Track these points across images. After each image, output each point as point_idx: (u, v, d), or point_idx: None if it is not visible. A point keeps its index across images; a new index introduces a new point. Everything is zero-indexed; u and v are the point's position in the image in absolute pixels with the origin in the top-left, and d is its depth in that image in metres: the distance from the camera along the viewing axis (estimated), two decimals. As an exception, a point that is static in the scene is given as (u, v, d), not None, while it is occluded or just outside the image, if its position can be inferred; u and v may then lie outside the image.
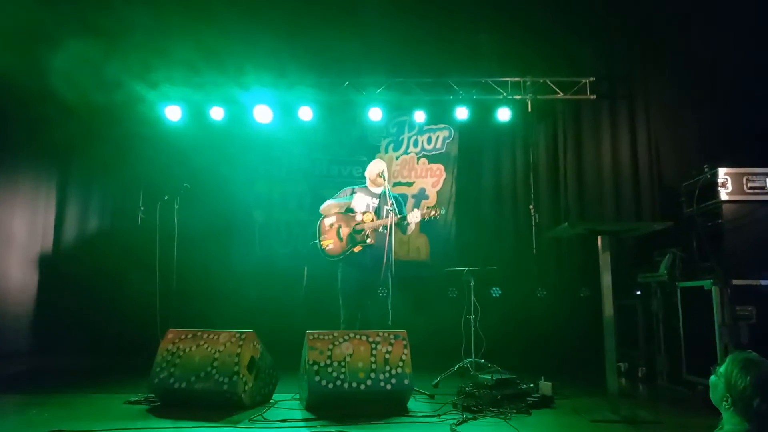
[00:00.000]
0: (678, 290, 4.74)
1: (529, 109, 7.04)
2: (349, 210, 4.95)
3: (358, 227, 4.85)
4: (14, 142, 6.23)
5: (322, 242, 4.92)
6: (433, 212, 4.73)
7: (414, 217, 4.72)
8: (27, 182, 6.58)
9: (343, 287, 4.89)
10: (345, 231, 4.89)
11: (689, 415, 3.85)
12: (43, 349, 6.49)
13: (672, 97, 6.58)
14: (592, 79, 6.93)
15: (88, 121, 6.70)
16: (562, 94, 7.00)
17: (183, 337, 4.05)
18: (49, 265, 6.83)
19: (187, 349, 3.96)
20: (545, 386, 4.07)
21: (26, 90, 5.88)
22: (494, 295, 6.68)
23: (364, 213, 4.85)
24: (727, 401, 1.87)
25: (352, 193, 5.00)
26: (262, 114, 7.01)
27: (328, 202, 5.04)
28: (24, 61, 5.46)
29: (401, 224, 4.82)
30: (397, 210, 4.79)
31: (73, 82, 5.78)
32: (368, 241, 4.76)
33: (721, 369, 1.92)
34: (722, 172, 4.54)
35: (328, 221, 4.98)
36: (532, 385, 4.15)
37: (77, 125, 6.66)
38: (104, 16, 5.57)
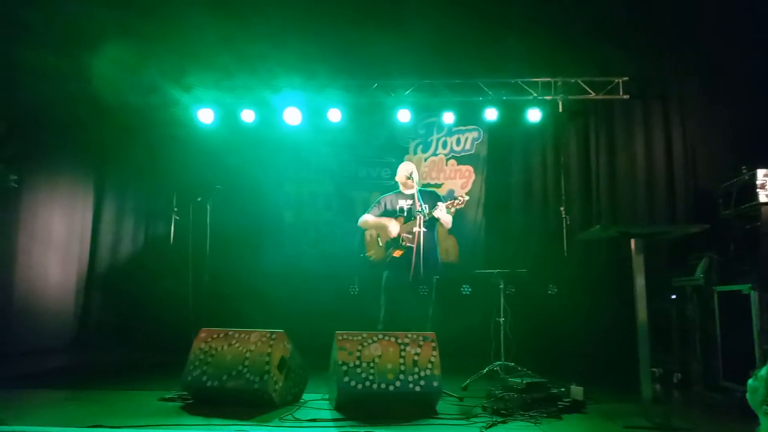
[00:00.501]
0: (715, 294, 4.63)
1: (560, 110, 6.95)
2: (387, 214, 5.18)
3: (395, 231, 5.05)
4: (54, 144, 6.42)
5: (367, 253, 5.26)
6: (457, 202, 4.82)
7: (439, 212, 4.80)
8: (65, 183, 6.78)
9: (386, 288, 5.08)
10: (383, 238, 5.15)
11: (725, 423, 3.76)
12: (81, 346, 6.67)
13: (707, 97, 6.43)
14: (625, 78, 6.81)
15: (124, 124, 6.90)
16: (593, 94, 6.90)
17: (215, 336, 4.12)
18: (87, 264, 7.02)
19: (219, 348, 4.03)
20: (577, 391, 4.02)
21: (64, 93, 6.07)
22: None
23: (397, 218, 5.10)
24: (767, 405, 1.82)
25: (383, 200, 5.29)
26: (292, 116, 7.09)
27: (365, 216, 5.35)
28: (63, 64, 5.63)
29: (433, 221, 4.90)
30: (430, 205, 4.88)
31: (110, 85, 5.95)
32: (404, 244, 4.90)
33: (762, 372, 1.87)
34: (761, 173, 4.42)
35: (368, 233, 5.28)
36: (563, 389, 4.10)
37: (113, 128, 6.86)
38: (140, 21, 5.71)
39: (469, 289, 6.86)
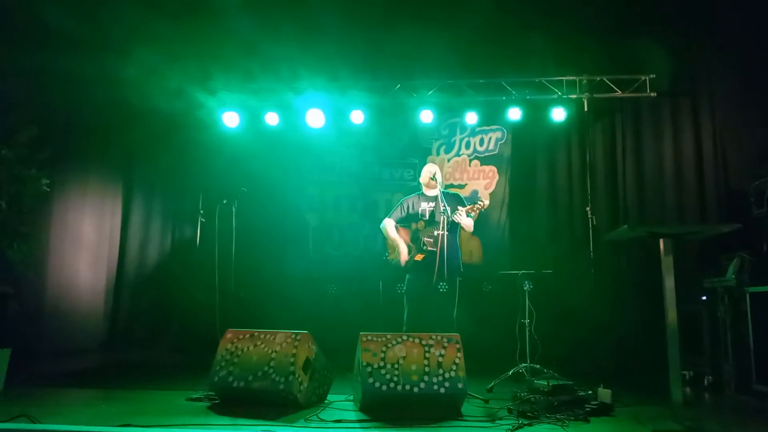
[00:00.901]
0: (747, 296, 4.51)
1: (585, 109, 6.86)
2: (408, 219, 5.21)
3: (414, 236, 5.08)
4: (83, 148, 6.55)
5: (389, 256, 5.27)
6: (477, 206, 4.80)
7: (459, 217, 4.79)
8: (95, 186, 6.91)
9: (408, 292, 5.09)
10: (405, 241, 5.15)
11: (758, 427, 3.66)
12: (111, 346, 6.80)
13: (737, 94, 6.28)
14: (652, 75, 6.68)
15: (151, 128, 7.01)
16: (620, 92, 6.79)
17: (241, 336, 4.17)
18: (116, 266, 7.15)
19: (245, 349, 4.07)
20: (604, 393, 3.96)
21: (93, 97, 6.20)
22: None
23: (418, 222, 5.07)
24: None
25: (405, 203, 5.30)
26: (315, 118, 7.12)
27: (386, 221, 5.35)
28: (92, 69, 5.75)
29: (455, 225, 4.88)
30: (452, 208, 4.84)
31: (138, 89, 6.06)
32: (426, 248, 4.86)
33: None
34: (795, 171, 4.30)
35: (392, 234, 5.26)
36: (590, 392, 4.04)
37: (141, 132, 6.98)
38: (166, 25, 5.80)
39: (490, 287, 6.81)
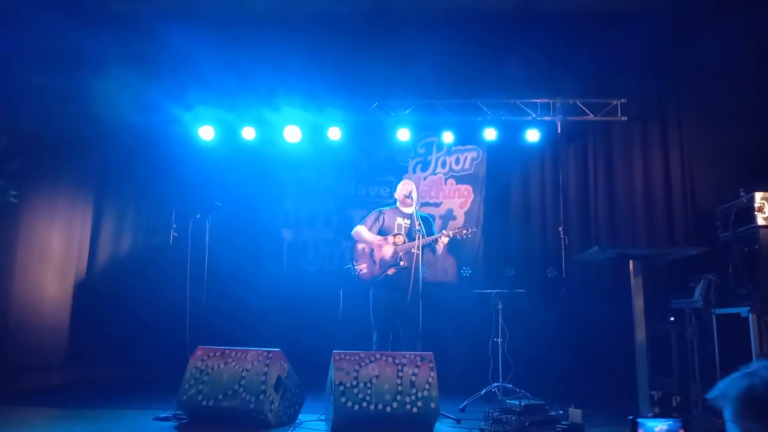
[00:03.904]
0: (713, 317, 4.61)
1: (559, 131, 6.99)
2: (381, 233, 5.05)
3: (391, 250, 4.92)
4: (55, 161, 6.43)
5: (356, 266, 5.03)
6: (464, 231, 4.80)
7: (445, 237, 4.79)
8: (65, 200, 6.78)
9: (376, 308, 4.97)
10: (378, 255, 5.00)
11: (726, 448, 3.72)
12: (76, 363, 6.62)
13: (705, 119, 6.47)
14: (623, 100, 6.85)
15: (125, 142, 6.93)
16: (592, 115, 6.94)
17: (211, 354, 4.10)
18: (83, 281, 7.00)
19: (216, 367, 4.00)
20: (575, 414, 3.98)
21: (67, 112, 6.11)
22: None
23: (395, 235, 4.96)
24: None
25: (380, 215, 5.12)
26: (292, 134, 7.11)
27: (359, 227, 5.18)
28: (65, 84, 5.68)
29: (431, 245, 4.87)
30: (425, 230, 4.81)
31: (112, 105, 6.00)
32: (401, 263, 4.82)
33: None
34: (759, 196, 4.43)
35: (360, 246, 5.10)
36: (561, 411, 4.07)
37: (114, 146, 6.89)
38: (143, 42, 5.78)
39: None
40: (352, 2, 6.39)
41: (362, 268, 5.01)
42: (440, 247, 4.96)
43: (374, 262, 5.00)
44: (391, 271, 4.90)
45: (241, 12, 6.48)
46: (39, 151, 6.19)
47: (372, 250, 5.03)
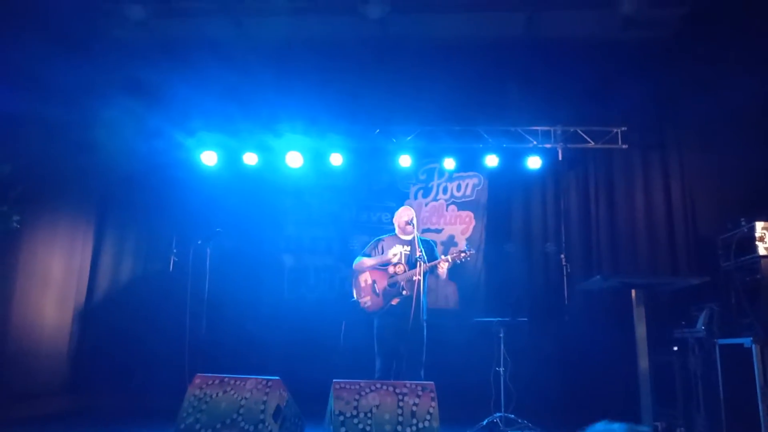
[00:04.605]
0: (717, 347, 4.57)
1: (560, 158, 7.01)
2: (383, 264, 5.05)
3: (392, 280, 4.95)
4: (57, 186, 6.45)
5: (360, 300, 5.05)
6: (463, 254, 4.79)
7: (444, 263, 4.78)
8: (66, 225, 6.78)
9: (380, 337, 4.95)
10: (380, 285, 5.00)
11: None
12: (75, 390, 6.56)
13: (707, 147, 6.49)
14: (623, 128, 6.88)
15: (127, 168, 6.96)
16: (593, 143, 6.98)
17: (210, 382, 4.05)
18: (83, 307, 6.96)
19: (214, 395, 3.95)
20: (578, 445, 3.92)
21: (70, 139, 6.17)
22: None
23: (396, 265, 4.95)
24: None
25: (378, 242, 5.17)
26: (294, 160, 7.15)
27: (360, 259, 5.19)
28: (68, 112, 5.74)
29: (433, 269, 4.87)
30: (426, 256, 4.80)
31: (114, 132, 6.05)
32: (404, 293, 4.81)
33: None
34: (759, 226, 4.44)
35: (362, 277, 5.10)
36: (564, 443, 4.01)
37: (117, 171, 6.93)
38: (145, 69, 5.85)
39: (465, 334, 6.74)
40: (354, 30, 6.47)
41: (366, 301, 5.02)
42: (442, 272, 4.94)
43: (377, 295, 5.00)
44: (395, 302, 4.90)
45: (243, 38, 6.57)
46: (41, 178, 6.22)
47: (374, 282, 5.03)
